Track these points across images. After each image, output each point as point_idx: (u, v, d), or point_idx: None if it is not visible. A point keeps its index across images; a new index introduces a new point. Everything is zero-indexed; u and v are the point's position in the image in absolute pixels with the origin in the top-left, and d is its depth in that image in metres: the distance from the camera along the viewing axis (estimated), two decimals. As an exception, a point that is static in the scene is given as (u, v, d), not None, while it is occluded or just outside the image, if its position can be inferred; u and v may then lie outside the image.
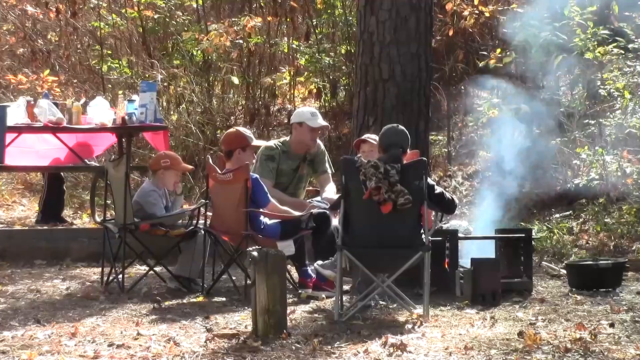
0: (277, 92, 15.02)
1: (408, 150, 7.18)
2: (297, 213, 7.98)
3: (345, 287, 7.65)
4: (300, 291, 7.94)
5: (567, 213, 10.84)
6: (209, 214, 8.21)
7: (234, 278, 8.16)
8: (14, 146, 10.28)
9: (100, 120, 10.17)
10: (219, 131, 13.29)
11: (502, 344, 6.01)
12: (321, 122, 8.68)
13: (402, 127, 7.22)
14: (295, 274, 8.20)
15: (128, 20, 14.61)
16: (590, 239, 9.95)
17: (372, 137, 7.92)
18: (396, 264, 7.02)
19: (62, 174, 11.18)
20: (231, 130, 8.27)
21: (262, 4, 14.78)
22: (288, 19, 14.61)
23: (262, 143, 8.32)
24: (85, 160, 10.74)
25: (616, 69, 10.71)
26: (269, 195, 7.89)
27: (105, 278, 8.31)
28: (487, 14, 12.43)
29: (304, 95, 14.88)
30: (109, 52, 14.68)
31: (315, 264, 7.65)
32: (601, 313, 7.10)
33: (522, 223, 10.46)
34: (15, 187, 12.91)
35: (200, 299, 7.82)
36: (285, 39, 14.90)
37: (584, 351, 5.77)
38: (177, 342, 6.09)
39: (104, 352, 5.85)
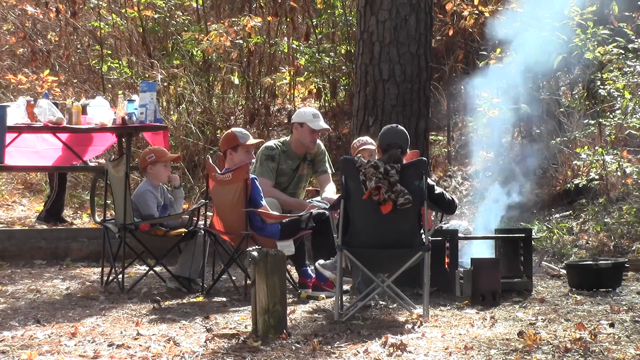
0: (277, 92, 15.02)
1: (408, 150, 7.17)
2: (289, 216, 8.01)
3: (345, 287, 7.66)
4: (300, 291, 7.94)
5: (567, 213, 10.85)
6: (209, 214, 8.21)
7: (234, 278, 8.17)
8: (14, 146, 10.28)
9: (100, 120, 10.17)
10: (219, 131, 13.29)
11: (502, 344, 6.02)
12: (323, 124, 8.65)
13: (402, 128, 7.21)
14: (295, 274, 8.20)
15: (128, 20, 14.61)
16: (590, 239, 9.95)
17: (369, 142, 7.93)
18: (396, 264, 7.02)
19: (66, 174, 11.18)
20: (227, 131, 8.27)
21: (262, 4, 14.78)
22: (288, 19, 14.61)
23: (255, 141, 8.23)
24: (86, 160, 10.75)
25: (616, 69, 10.71)
26: (263, 198, 7.87)
27: (105, 278, 8.32)
28: (486, 14, 12.43)
29: (304, 95, 14.88)
30: (109, 52, 14.68)
31: (316, 263, 7.66)
32: (601, 313, 7.10)
33: (522, 223, 10.46)
34: (15, 187, 12.91)
35: (200, 299, 7.82)
36: (285, 39, 14.90)
37: (584, 351, 5.77)
38: (177, 342, 6.09)
39: (104, 352, 5.85)
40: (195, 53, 14.33)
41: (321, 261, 7.61)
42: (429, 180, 7.01)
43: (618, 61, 10.68)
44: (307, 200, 8.59)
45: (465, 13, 12.62)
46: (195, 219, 8.20)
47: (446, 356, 5.74)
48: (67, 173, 11.24)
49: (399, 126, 7.25)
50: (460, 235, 8.26)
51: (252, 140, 8.06)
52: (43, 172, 11.35)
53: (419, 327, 6.61)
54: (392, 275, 7.07)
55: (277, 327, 6.16)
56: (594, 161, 10.63)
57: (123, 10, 14.69)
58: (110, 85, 14.21)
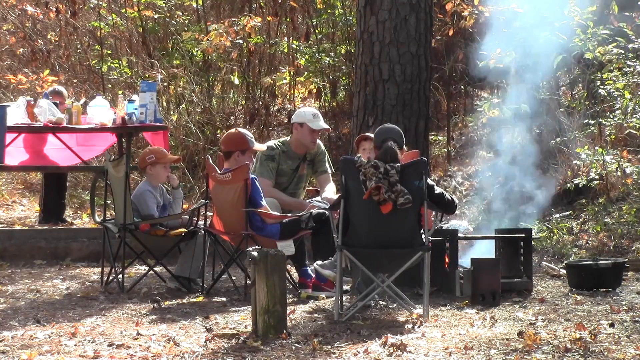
0: (277, 92, 15.02)
1: (404, 147, 7.17)
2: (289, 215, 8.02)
3: (345, 287, 7.66)
4: (300, 291, 7.94)
5: (567, 213, 10.85)
6: (209, 214, 8.21)
7: (234, 278, 8.17)
8: (14, 146, 10.28)
9: (100, 120, 10.17)
10: (219, 131, 13.29)
11: (502, 344, 6.01)
12: (322, 124, 8.66)
13: (395, 126, 7.28)
14: (295, 274, 8.20)
15: (128, 20, 14.61)
16: (590, 239, 9.95)
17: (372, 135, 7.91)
18: (396, 264, 7.02)
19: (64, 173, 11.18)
20: (233, 130, 8.22)
21: (262, 4, 14.79)
22: (288, 19, 14.62)
23: (263, 147, 8.31)
24: (86, 160, 10.75)
25: (616, 69, 10.71)
26: (263, 198, 7.87)
27: (105, 278, 8.32)
28: (487, 14, 12.42)
29: (304, 95, 14.89)
30: (109, 52, 14.69)
31: (315, 264, 7.66)
32: (601, 313, 7.10)
33: (522, 223, 10.46)
34: (15, 187, 12.91)
35: (200, 299, 7.82)
36: (285, 39, 14.91)
37: (584, 351, 5.77)
38: (177, 342, 6.09)
39: (104, 352, 5.85)
40: (195, 53, 14.34)
41: (319, 262, 7.62)
42: (428, 180, 7.01)
43: (618, 61, 10.69)
44: (307, 200, 8.59)
45: (465, 13, 12.62)
46: (195, 219, 8.20)
47: (446, 356, 5.74)
48: (62, 174, 11.23)
49: (393, 125, 7.33)
50: (460, 235, 8.26)
51: (259, 146, 8.13)
52: (43, 172, 11.34)
53: (419, 327, 6.60)
54: (392, 275, 7.07)
55: (277, 327, 6.16)
56: (594, 161, 10.64)
57: (123, 10, 14.69)
58: (110, 85, 14.22)
